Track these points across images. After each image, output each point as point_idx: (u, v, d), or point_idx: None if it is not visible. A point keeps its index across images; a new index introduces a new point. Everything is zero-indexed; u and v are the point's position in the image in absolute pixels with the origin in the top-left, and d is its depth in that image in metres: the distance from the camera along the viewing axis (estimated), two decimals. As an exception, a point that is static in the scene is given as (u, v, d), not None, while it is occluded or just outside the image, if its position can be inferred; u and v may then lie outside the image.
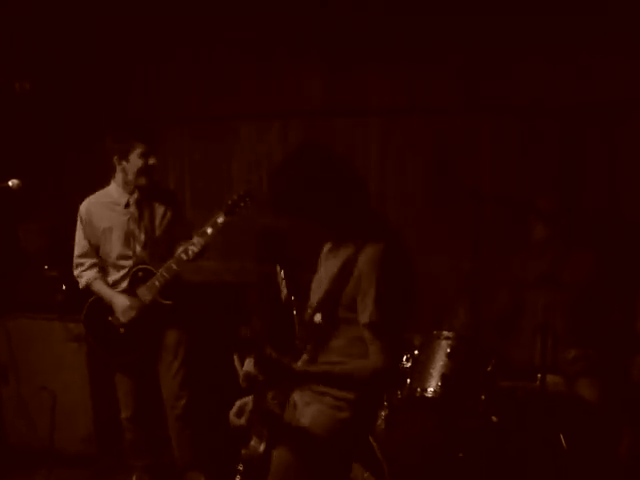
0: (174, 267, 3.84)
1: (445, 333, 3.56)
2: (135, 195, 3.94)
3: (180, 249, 3.84)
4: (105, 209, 3.98)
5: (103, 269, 4.02)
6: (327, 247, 2.69)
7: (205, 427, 4.14)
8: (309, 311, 2.59)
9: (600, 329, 3.89)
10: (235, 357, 2.36)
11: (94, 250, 4.00)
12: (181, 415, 4.05)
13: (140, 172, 3.85)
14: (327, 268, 2.60)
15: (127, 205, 3.94)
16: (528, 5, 4.49)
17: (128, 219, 3.94)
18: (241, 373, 2.40)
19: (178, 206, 4.11)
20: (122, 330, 3.94)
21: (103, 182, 4.04)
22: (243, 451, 2.49)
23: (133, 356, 3.99)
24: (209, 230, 3.80)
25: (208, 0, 4.86)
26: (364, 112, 4.86)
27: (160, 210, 4.00)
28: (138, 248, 3.94)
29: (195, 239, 3.80)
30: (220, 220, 3.81)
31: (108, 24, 5.13)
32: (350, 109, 4.90)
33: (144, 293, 3.90)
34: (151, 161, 3.85)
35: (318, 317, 2.49)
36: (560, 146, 4.63)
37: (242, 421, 2.52)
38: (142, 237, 3.94)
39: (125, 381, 4.07)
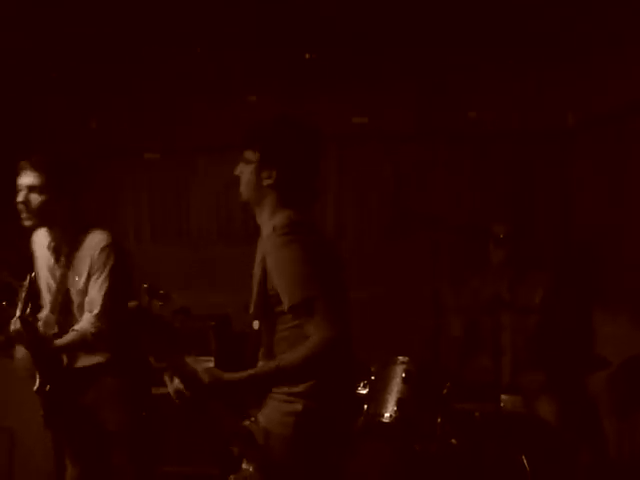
0: None
1: (400, 358, 3.57)
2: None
3: None
4: None
5: None
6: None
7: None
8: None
9: (558, 349, 3.95)
10: (165, 376, 2.36)
11: None
12: None
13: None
14: (257, 256, 2.53)
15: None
16: (477, 38, 4.61)
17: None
18: (170, 391, 2.33)
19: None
20: None
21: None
22: (232, 477, 2.39)
23: None
24: None
25: (162, 36, 4.89)
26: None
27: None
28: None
29: None
30: None
31: (54, 61, 4.99)
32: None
33: None
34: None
35: (256, 324, 2.44)
36: (513, 172, 4.74)
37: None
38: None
39: None
